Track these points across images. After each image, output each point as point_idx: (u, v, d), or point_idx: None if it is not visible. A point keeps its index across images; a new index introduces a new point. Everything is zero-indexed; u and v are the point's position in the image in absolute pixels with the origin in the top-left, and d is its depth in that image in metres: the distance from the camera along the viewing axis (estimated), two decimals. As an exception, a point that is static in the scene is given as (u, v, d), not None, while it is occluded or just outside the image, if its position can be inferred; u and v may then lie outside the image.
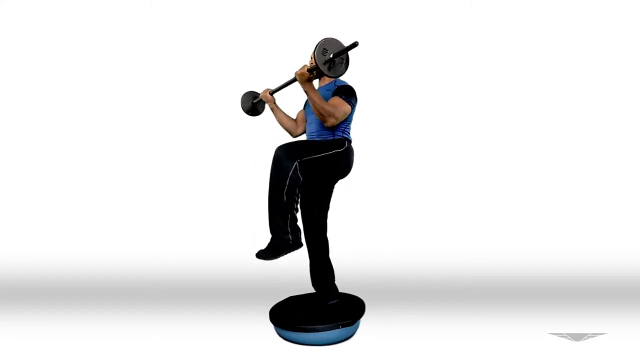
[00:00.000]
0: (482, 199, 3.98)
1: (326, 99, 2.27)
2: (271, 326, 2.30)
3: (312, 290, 2.52)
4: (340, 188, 2.49)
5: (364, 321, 2.30)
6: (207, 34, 4.07)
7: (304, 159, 2.13)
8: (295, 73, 2.14)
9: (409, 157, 4.01)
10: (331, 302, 2.32)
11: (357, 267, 3.30)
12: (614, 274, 3.16)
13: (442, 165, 4.01)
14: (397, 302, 2.70)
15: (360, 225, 3.79)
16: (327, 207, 2.42)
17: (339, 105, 2.20)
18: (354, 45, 1.92)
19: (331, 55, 1.99)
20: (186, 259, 3.64)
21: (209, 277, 3.29)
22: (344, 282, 2.54)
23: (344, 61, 2.10)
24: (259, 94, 2.63)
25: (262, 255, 2.14)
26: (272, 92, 2.58)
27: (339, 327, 2.09)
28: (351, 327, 2.16)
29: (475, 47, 4.02)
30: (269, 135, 3.57)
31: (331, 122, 2.19)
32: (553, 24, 3.95)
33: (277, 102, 2.69)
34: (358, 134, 2.52)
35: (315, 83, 2.46)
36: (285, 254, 2.14)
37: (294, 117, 2.70)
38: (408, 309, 2.61)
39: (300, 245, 2.20)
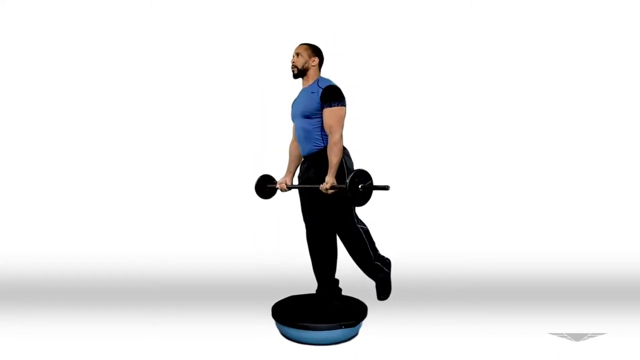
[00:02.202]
0: (482, 199, 3.98)
1: (311, 101, 2.24)
2: (272, 326, 2.30)
3: (313, 291, 2.52)
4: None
5: (365, 321, 2.30)
6: (208, 34, 4.07)
7: (354, 215, 2.35)
8: (321, 187, 2.18)
9: (408, 157, 4.00)
10: (333, 304, 2.33)
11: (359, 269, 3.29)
12: (614, 274, 3.16)
13: (442, 165, 4.01)
14: (398, 303, 2.70)
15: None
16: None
17: (336, 121, 2.20)
18: (385, 188, 2.12)
19: (360, 186, 2.09)
20: (186, 259, 3.64)
21: (209, 277, 3.29)
22: (345, 282, 2.54)
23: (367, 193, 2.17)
24: (275, 180, 2.60)
25: (382, 299, 2.47)
26: (290, 187, 2.52)
27: (341, 327, 2.09)
28: (353, 328, 2.16)
29: (476, 47, 4.02)
30: (269, 135, 3.59)
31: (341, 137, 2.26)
32: (553, 23, 3.95)
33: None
34: (358, 134, 2.52)
35: (299, 82, 2.42)
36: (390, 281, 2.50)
37: (292, 135, 2.59)
38: (409, 309, 2.61)
39: (389, 261, 2.53)
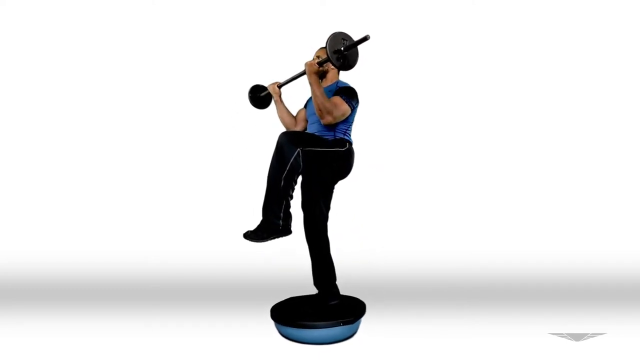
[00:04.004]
0: (482, 199, 3.97)
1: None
2: (272, 325, 2.30)
3: (313, 291, 2.52)
4: (341, 188, 2.49)
5: (364, 321, 2.30)
6: (209, 32, 4.07)
7: (306, 149, 2.16)
8: (305, 63, 2.19)
9: (409, 157, 4.00)
10: (332, 303, 2.33)
11: (358, 268, 3.30)
12: (614, 274, 3.16)
13: (443, 165, 4.01)
14: (397, 302, 2.70)
15: (360, 226, 3.79)
16: (328, 208, 2.42)
17: (339, 104, 2.22)
18: (365, 39, 1.99)
19: (342, 48, 2.03)
20: (186, 258, 3.64)
21: (209, 277, 3.29)
22: (344, 283, 2.54)
23: (354, 55, 2.12)
24: (266, 87, 2.67)
25: (249, 236, 2.18)
26: (280, 85, 2.61)
27: (340, 325, 2.10)
28: (352, 326, 2.16)
29: (478, 46, 4.01)
30: (268, 135, 3.57)
31: (327, 120, 2.21)
32: (557, 22, 3.94)
33: (282, 96, 2.69)
34: (360, 133, 2.52)
35: (302, 82, 2.45)
36: (273, 238, 2.17)
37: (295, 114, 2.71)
38: (408, 309, 2.61)
39: (289, 232, 2.21)
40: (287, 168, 2.11)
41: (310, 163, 2.25)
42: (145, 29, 4.07)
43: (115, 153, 4.12)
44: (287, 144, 2.12)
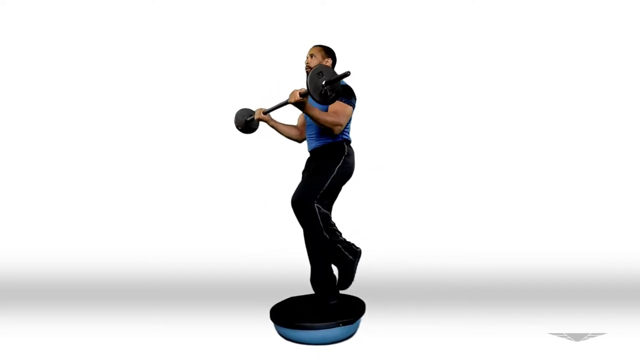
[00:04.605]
0: (482, 199, 3.98)
1: None
2: (271, 326, 2.30)
3: (312, 290, 2.52)
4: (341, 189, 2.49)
5: (364, 321, 2.30)
6: (209, 32, 4.07)
7: (318, 197, 2.20)
8: (289, 102, 2.09)
9: (409, 157, 4.01)
10: (331, 302, 2.32)
11: (358, 268, 3.29)
12: (614, 274, 3.16)
13: (443, 165, 4.01)
14: (397, 302, 2.70)
15: (360, 226, 3.79)
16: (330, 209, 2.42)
17: (341, 110, 2.19)
18: (346, 74, 1.91)
19: (323, 83, 1.97)
20: (186, 258, 3.64)
21: (209, 277, 3.29)
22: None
23: (336, 89, 2.04)
24: (253, 111, 2.60)
25: (341, 287, 2.30)
26: (266, 112, 2.53)
27: (339, 326, 2.09)
28: (351, 326, 2.16)
29: (477, 46, 4.02)
30: (268, 135, 3.58)
31: (338, 130, 2.21)
32: (555, 22, 3.95)
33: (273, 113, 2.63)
34: (359, 133, 2.52)
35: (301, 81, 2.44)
36: (356, 269, 2.32)
37: (295, 123, 2.67)
38: (408, 309, 2.61)
39: (359, 250, 2.35)
40: (321, 224, 2.20)
41: (329, 193, 2.27)
42: (146, 30, 4.07)
43: (116, 153, 4.12)
44: (305, 209, 2.17)
